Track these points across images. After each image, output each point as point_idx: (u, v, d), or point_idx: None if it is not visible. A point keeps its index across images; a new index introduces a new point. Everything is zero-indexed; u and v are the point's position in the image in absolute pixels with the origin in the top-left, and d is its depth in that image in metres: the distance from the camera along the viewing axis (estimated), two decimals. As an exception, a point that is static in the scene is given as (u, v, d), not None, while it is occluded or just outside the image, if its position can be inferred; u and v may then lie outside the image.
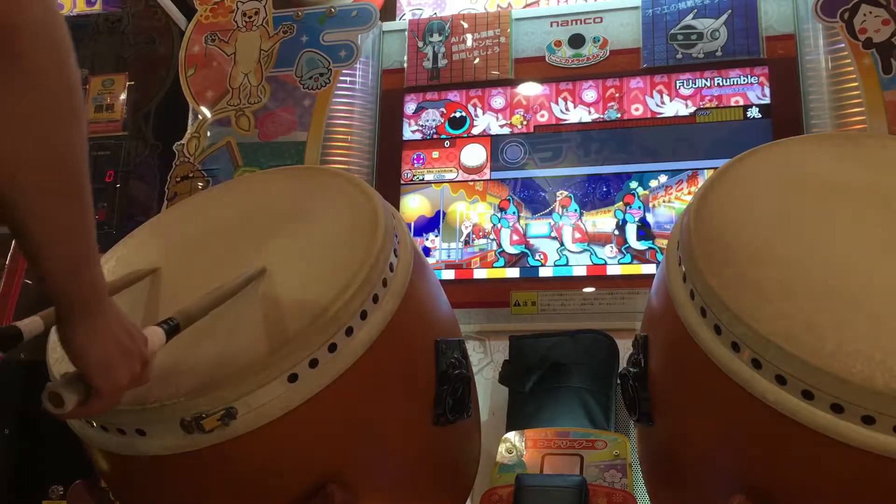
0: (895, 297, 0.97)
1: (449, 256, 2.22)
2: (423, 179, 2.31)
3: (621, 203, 2.14)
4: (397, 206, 2.25)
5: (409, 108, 2.37)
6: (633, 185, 2.16)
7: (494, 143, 2.29)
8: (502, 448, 1.69)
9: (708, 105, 2.17)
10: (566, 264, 2.13)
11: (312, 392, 1.03)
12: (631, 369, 1.27)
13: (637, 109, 2.22)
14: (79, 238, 0.76)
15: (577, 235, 2.14)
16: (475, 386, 1.39)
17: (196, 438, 1.00)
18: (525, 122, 2.28)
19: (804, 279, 1.01)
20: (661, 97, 2.20)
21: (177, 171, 2.36)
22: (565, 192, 2.19)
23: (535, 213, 2.20)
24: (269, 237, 1.23)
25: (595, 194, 2.18)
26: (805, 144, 1.35)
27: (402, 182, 2.31)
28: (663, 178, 2.15)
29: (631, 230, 2.12)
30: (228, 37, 2.45)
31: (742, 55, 2.17)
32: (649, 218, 2.12)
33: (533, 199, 2.21)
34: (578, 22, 2.32)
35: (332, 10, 2.38)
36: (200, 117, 2.40)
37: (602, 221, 2.15)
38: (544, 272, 2.14)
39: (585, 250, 2.12)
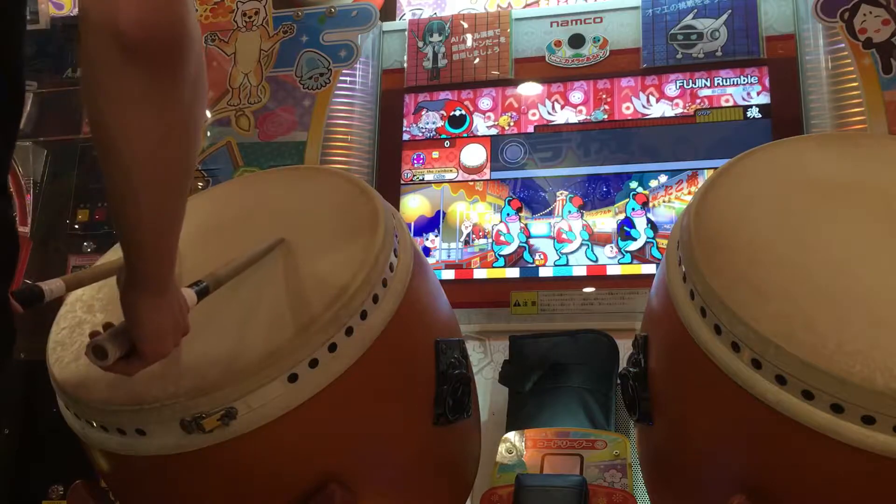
0: (895, 298, 0.97)
1: (449, 256, 2.22)
2: (423, 179, 2.31)
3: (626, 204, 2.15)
4: (397, 206, 2.25)
5: (409, 108, 2.37)
6: (634, 185, 2.16)
7: (494, 143, 2.29)
8: (502, 448, 1.69)
9: (699, 107, 2.17)
10: (566, 264, 2.13)
11: (312, 392, 1.03)
12: (631, 369, 1.27)
13: (628, 109, 2.22)
14: (176, 228, 0.84)
15: (586, 235, 2.15)
16: (475, 386, 1.39)
17: (196, 438, 1.00)
18: (512, 123, 2.28)
19: (804, 279, 1.01)
20: (648, 98, 2.21)
21: (177, 171, 2.35)
22: (569, 193, 2.19)
23: (535, 213, 2.20)
24: (269, 237, 1.22)
25: (595, 194, 2.18)
26: (805, 144, 1.35)
27: (402, 182, 2.31)
28: (663, 178, 2.15)
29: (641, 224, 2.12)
30: (228, 37, 2.45)
31: (742, 55, 2.17)
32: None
33: (533, 199, 2.22)
34: (578, 22, 2.32)
35: (332, 10, 2.38)
36: (200, 117, 2.40)
37: (602, 221, 2.15)
38: (544, 272, 2.14)
39: (583, 244, 2.13)
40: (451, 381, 1.25)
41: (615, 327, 1.97)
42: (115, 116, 0.72)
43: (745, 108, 2.15)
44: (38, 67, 2.60)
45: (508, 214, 2.21)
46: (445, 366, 1.25)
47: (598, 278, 2.10)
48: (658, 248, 2.08)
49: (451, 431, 1.29)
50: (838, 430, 0.91)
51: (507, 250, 2.18)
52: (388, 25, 2.48)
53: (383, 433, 1.16)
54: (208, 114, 2.38)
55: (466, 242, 2.22)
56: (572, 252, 2.14)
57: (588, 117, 2.24)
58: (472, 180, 2.27)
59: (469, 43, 2.37)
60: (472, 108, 2.33)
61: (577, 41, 2.30)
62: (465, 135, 2.32)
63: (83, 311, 1.21)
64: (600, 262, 2.11)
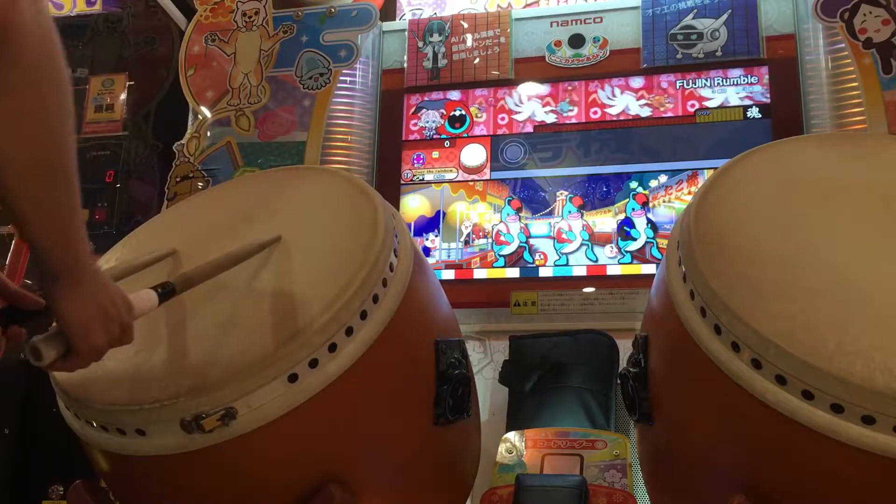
0: (895, 298, 0.97)
1: (449, 256, 2.22)
2: (423, 179, 2.31)
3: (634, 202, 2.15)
4: (397, 206, 2.25)
5: (410, 108, 2.37)
6: (634, 185, 2.16)
7: (494, 143, 2.29)
8: (502, 448, 1.69)
9: (673, 108, 2.18)
10: (566, 264, 2.13)
11: (312, 392, 1.03)
12: (631, 369, 1.27)
13: (595, 112, 2.23)
14: (64, 215, 0.83)
15: (586, 235, 2.15)
16: (475, 386, 1.39)
17: (196, 438, 1.00)
18: (481, 114, 2.30)
19: (804, 279, 1.01)
20: (613, 91, 2.23)
21: (177, 171, 2.36)
22: (569, 193, 2.19)
23: (535, 213, 2.20)
24: (269, 237, 1.22)
25: (595, 194, 2.18)
26: (805, 144, 1.35)
27: (402, 182, 2.31)
28: (663, 178, 2.15)
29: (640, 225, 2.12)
30: (228, 37, 2.45)
31: (742, 55, 2.17)
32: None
33: (533, 199, 2.22)
34: (578, 22, 2.32)
35: (332, 10, 2.38)
36: (200, 117, 2.40)
37: (602, 221, 2.15)
38: (544, 272, 2.14)
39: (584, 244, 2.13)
40: (451, 381, 1.25)
41: (615, 327, 1.97)
42: None
43: (745, 108, 2.15)
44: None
45: (508, 214, 2.21)
46: (445, 366, 1.25)
47: (598, 278, 2.10)
48: (658, 248, 2.08)
49: (451, 431, 1.29)
50: (838, 430, 0.91)
51: (507, 250, 2.18)
52: (388, 25, 2.48)
53: (383, 433, 1.16)
54: (208, 113, 2.38)
55: (466, 242, 2.22)
56: (572, 252, 2.14)
57: (555, 108, 2.25)
58: (472, 180, 2.27)
59: (469, 43, 2.37)
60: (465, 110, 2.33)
61: (577, 41, 2.30)
62: (465, 135, 2.32)
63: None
64: (600, 262, 2.12)
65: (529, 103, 2.28)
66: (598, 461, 1.60)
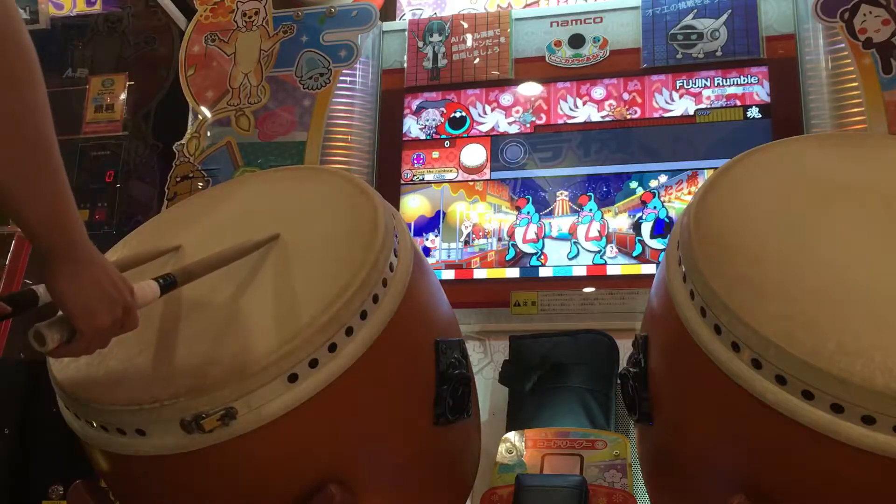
0: (895, 298, 0.97)
1: (449, 256, 2.22)
2: (423, 179, 2.31)
3: (638, 201, 2.14)
4: (397, 206, 2.25)
5: (410, 108, 2.37)
6: (634, 184, 2.16)
7: (494, 143, 2.29)
8: (502, 448, 1.69)
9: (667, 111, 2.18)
10: (566, 264, 2.13)
11: (312, 392, 1.03)
12: (631, 369, 1.27)
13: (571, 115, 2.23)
14: (49, 191, 0.81)
15: (594, 234, 2.14)
16: (475, 386, 1.39)
17: (196, 438, 1.00)
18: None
19: (804, 279, 1.01)
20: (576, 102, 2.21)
21: (177, 171, 2.36)
22: (569, 193, 2.19)
23: (536, 212, 2.20)
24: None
25: (595, 194, 2.18)
26: (805, 144, 1.35)
27: (402, 182, 2.31)
28: (663, 178, 2.15)
29: (646, 229, 2.12)
30: (228, 37, 2.45)
31: (742, 55, 2.17)
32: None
33: (533, 199, 2.21)
34: (578, 22, 2.32)
35: (332, 10, 2.38)
36: (200, 117, 2.40)
37: (611, 221, 2.15)
38: (544, 272, 2.14)
39: (597, 249, 2.12)
40: (451, 381, 1.25)
41: (615, 327, 1.97)
42: None
43: (745, 108, 2.15)
44: (37, 67, 2.60)
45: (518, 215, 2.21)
46: (445, 366, 1.25)
47: (598, 278, 2.10)
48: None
49: (451, 431, 1.29)
50: (838, 430, 0.91)
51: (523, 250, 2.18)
52: (388, 25, 2.48)
53: (383, 433, 1.16)
54: (208, 113, 2.38)
55: (466, 242, 2.22)
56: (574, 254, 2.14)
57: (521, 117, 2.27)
58: (472, 180, 2.27)
59: (469, 43, 2.37)
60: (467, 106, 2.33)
61: (577, 41, 2.30)
62: (465, 135, 2.32)
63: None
64: (593, 262, 2.11)
65: (493, 114, 2.30)
66: (598, 461, 1.60)
